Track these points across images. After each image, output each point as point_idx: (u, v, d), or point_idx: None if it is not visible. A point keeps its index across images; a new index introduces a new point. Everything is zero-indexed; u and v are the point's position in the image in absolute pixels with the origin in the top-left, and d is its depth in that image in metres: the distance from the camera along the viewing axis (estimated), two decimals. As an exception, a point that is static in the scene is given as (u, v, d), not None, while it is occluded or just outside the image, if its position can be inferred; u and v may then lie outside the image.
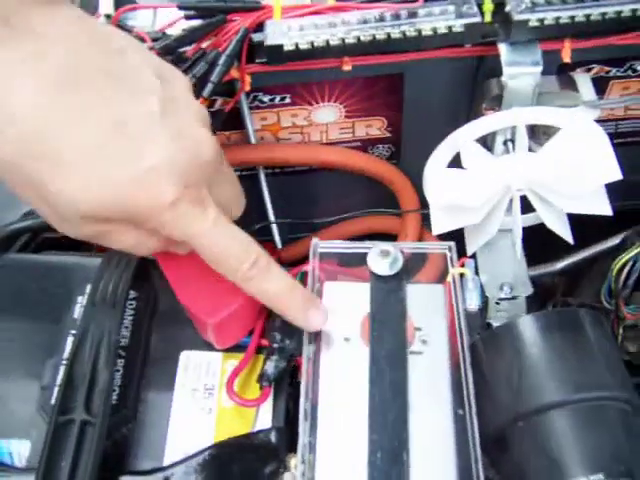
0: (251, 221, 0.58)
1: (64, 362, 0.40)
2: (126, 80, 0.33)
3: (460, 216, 0.49)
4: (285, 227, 0.62)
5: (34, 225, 0.48)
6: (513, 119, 0.47)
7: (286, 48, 0.47)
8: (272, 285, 0.38)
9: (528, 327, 0.40)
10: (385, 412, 0.37)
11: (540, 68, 0.47)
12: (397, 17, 0.47)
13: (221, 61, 0.47)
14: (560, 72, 0.51)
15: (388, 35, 0.46)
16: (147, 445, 0.39)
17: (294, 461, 0.37)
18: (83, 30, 0.33)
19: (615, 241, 0.54)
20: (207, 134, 0.35)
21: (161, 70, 0.36)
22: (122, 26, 0.50)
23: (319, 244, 0.43)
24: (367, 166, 0.58)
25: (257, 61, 0.49)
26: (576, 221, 0.49)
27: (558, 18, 0.46)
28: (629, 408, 0.38)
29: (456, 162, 0.48)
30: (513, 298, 0.51)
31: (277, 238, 0.62)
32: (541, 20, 0.46)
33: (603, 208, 0.47)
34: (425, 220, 0.58)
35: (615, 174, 0.45)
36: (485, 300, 0.50)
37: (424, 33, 0.46)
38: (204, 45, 0.49)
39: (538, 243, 0.52)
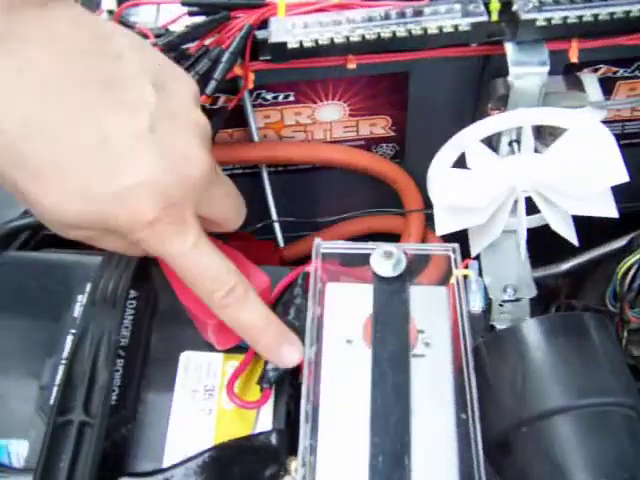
0: (253, 219, 0.58)
1: (63, 361, 0.39)
2: (117, 91, 0.32)
3: (464, 217, 0.48)
4: (287, 225, 0.62)
5: (34, 223, 0.48)
6: (519, 119, 0.47)
7: (290, 46, 0.46)
8: (246, 316, 0.37)
9: (532, 331, 0.39)
10: (387, 415, 0.37)
11: (547, 68, 0.46)
12: (403, 15, 0.46)
13: (224, 58, 0.47)
14: (567, 72, 0.51)
15: (393, 33, 0.46)
16: (146, 446, 0.38)
17: (295, 464, 0.36)
18: (79, 32, 0.32)
19: (620, 243, 0.54)
20: (200, 151, 0.34)
21: (161, 76, 0.34)
22: (124, 22, 0.49)
23: (322, 244, 0.43)
24: (371, 165, 0.58)
25: (261, 58, 0.49)
26: (581, 223, 0.49)
27: (566, 18, 0.45)
28: (634, 414, 0.37)
29: (461, 162, 0.48)
30: (517, 300, 0.50)
31: (279, 236, 0.61)
32: (548, 20, 0.45)
33: (609, 210, 0.47)
34: (429, 220, 0.58)
35: (622, 176, 0.45)
36: (488, 302, 0.50)
37: (430, 32, 0.46)
38: (207, 42, 0.48)
39: (542, 245, 0.52)
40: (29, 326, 0.42)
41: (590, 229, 0.50)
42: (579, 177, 0.46)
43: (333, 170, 0.59)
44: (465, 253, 0.46)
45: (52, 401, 0.37)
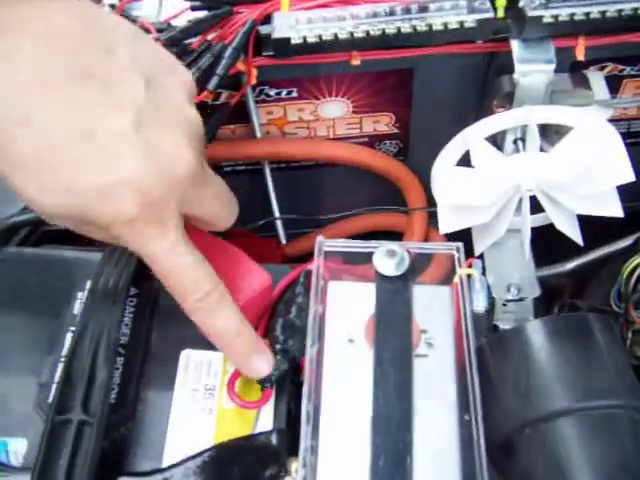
0: (255, 216, 0.58)
1: (62, 359, 0.39)
2: (106, 86, 0.31)
3: (468, 215, 0.48)
4: (290, 223, 0.61)
5: (34, 218, 0.47)
6: (524, 117, 0.46)
7: (294, 41, 0.46)
8: (218, 323, 0.36)
9: (536, 332, 0.39)
10: (389, 416, 0.36)
11: (553, 66, 0.46)
12: (408, 11, 0.46)
13: (227, 54, 0.47)
14: (573, 70, 0.50)
15: (398, 29, 0.46)
16: (146, 445, 0.38)
17: (295, 464, 0.36)
18: (72, 25, 0.31)
19: (626, 243, 0.54)
20: (186, 150, 0.33)
21: (155, 70, 0.34)
22: (127, 16, 0.49)
23: (324, 242, 0.43)
24: (374, 162, 0.58)
25: (264, 54, 0.49)
26: (585, 222, 0.49)
27: (573, 14, 0.45)
28: (639, 416, 0.37)
29: (465, 160, 0.48)
30: (520, 300, 0.50)
31: (281, 234, 0.61)
32: (555, 16, 0.45)
33: (614, 210, 0.46)
34: (432, 218, 0.57)
35: (628, 175, 0.44)
36: (492, 301, 0.49)
37: (435, 28, 0.46)
38: (210, 37, 0.48)
39: (546, 244, 0.51)
40: (28, 323, 0.41)
41: (595, 228, 0.49)
42: (585, 176, 0.45)
43: (336, 167, 0.59)
44: (468, 252, 0.46)
45: (51, 399, 0.36)
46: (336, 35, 0.46)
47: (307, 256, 0.43)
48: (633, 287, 0.47)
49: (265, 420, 0.38)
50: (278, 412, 0.39)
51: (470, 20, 0.45)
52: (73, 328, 0.40)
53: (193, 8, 0.49)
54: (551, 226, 0.49)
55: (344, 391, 0.38)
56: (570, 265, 0.56)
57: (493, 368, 0.39)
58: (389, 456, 0.35)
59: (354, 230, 0.63)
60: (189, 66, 0.47)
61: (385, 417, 0.36)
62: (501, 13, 0.46)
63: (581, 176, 0.45)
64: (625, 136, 0.49)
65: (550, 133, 0.49)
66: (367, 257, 0.42)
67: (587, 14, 0.45)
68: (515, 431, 0.37)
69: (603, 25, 0.46)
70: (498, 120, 0.47)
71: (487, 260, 0.51)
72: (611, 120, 0.47)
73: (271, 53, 0.48)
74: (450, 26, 0.46)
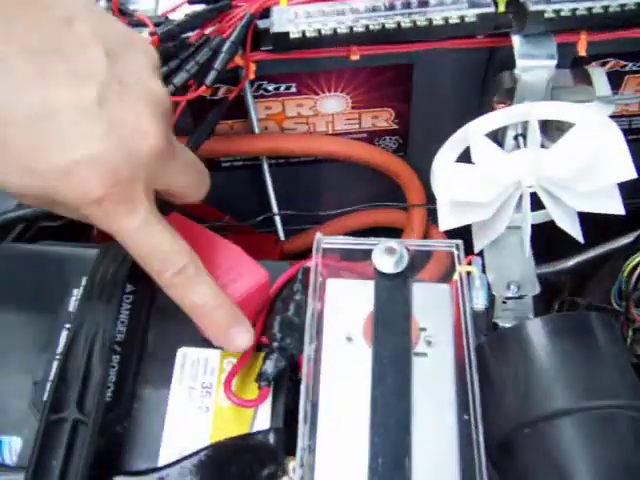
0: (254, 212, 0.58)
1: (58, 357, 0.39)
2: (65, 59, 0.30)
3: (468, 212, 0.47)
4: (288, 219, 0.61)
5: (29, 214, 0.47)
6: (525, 114, 0.46)
7: (292, 36, 0.45)
8: (195, 297, 0.36)
9: (536, 330, 0.39)
10: (387, 415, 0.36)
11: (555, 61, 0.46)
12: (407, 5, 0.46)
13: (225, 48, 0.46)
14: (574, 66, 0.50)
15: (398, 24, 0.45)
16: (142, 444, 0.37)
17: (293, 464, 0.36)
18: None
19: (626, 241, 0.53)
20: (152, 125, 0.32)
21: (116, 43, 0.32)
22: (123, 10, 0.48)
23: (323, 239, 0.42)
24: (373, 158, 0.57)
25: (262, 49, 0.48)
26: (586, 219, 0.48)
27: (575, 9, 0.44)
28: (639, 416, 0.37)
29: (465, 157, 0.47)
30: (520, 297, 0.50)
31: (280, 230, 0.61)
32: (557, 11, 0.44)
33: (616, 207, 0.46)
34: (432, 214, 0.57)
35: (629, 172, 0.44)
36: (491, 299, 0.49)
37: (435, 23, 0.45)
38: (208, 31, 0.47)
39: (546, 241, 0.51)
40: (23, 320, 0.41)
41: (596, 226, 0.49)
42: (586, 173, 0.45)
43: (335, 163, 0.58)
44: (468, 249, 0.46)
45: (46, 397, 0.36)
46: (335, 30, 0.45)
47: (306, 252, 0.43)
48: (634, 285, 0.47)
49: (262, 419, 0.38)
50: (276, 411, 0.38)
51: (471, 15, 0.45)
52: (68, 325, 0.39)
53: (191, 2, 0.48)
54: (551, 223, 0.48)
55: (342, 390, 0.37)
56: (570, 262, 0.56)
57: (493, 367, 0.39)
58: (387, 457, 0.35)
59: (353, 226, 0.63)
60: (187, 60, 0.46)
61: (383, 416, 0.36)
62: (502, 8, 0.46)
63: (582, 173, 0.45)
64: (627, 132, 0.48)
65: (551, 129, 0.49)
66: (366, 254, 0.41)
67: (589, 9, 0.44)
68: (515, 430, 0.37)
69: (605, 20, 0.45)
70: (499, 116, 0.46)
71: (487, 257, 0.51)
72: (612, 116, 0.47)
73: (270, 47, 0.48)
74: (451, 21, 0.45)
